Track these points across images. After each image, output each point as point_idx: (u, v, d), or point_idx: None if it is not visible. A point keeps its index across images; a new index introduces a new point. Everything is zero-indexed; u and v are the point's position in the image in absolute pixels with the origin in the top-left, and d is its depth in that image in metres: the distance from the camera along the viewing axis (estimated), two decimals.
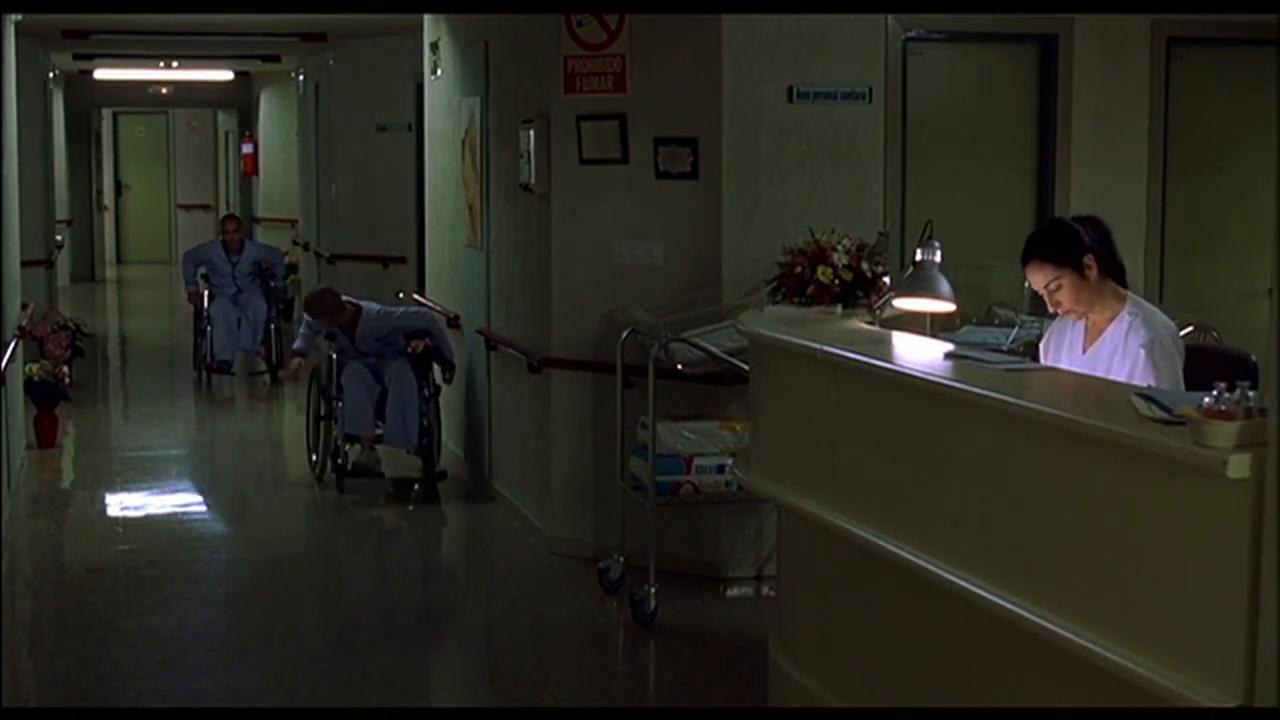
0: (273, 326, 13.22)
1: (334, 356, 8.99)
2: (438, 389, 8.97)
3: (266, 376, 13.16)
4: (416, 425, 8.81)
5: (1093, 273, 4.56)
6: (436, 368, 9.10)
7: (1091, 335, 4.66)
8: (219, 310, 13.00)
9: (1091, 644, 3.40)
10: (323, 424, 9.18)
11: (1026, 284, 4.76)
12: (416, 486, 8.99)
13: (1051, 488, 3.64)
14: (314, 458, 9.24)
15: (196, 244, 14.37)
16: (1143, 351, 4.47)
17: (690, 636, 6.36)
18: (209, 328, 13.00)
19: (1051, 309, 4.71)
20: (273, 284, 13.47)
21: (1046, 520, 3.66)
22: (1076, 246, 4.57)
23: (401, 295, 10.39)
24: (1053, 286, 4.58)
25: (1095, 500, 3.48)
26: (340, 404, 8.81)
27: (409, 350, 8.91)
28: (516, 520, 8.10)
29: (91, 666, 5.98)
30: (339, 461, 8.78)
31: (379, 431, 8.90)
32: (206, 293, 13.22)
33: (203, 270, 13.41)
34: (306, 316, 9.41)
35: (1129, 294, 4.67)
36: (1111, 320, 4.61)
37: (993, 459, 3.91)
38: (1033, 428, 3.68)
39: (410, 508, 8.86)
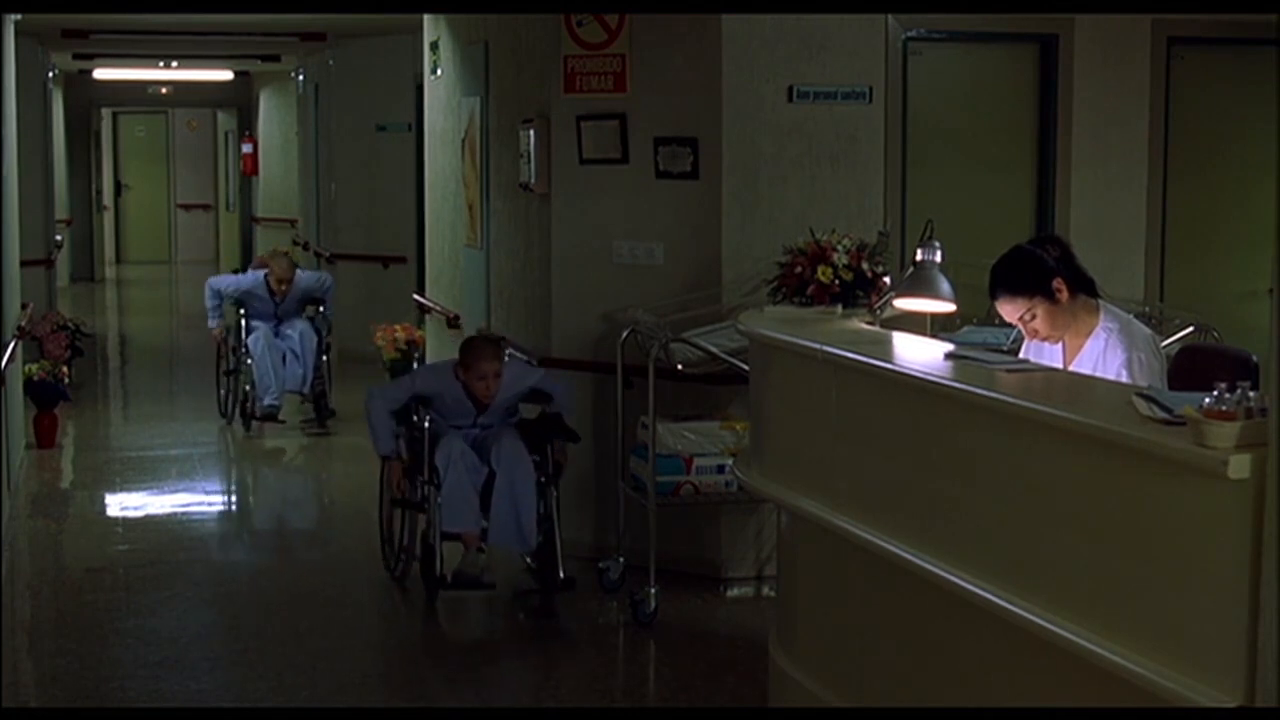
0: (325, 358, 10.81)
1: (426, 425, 6.75)
2: (559, 470, 6.83)
3: (312, 421, 10.84)
4: (533, 520, 6.63)
5: (1064, 295, 4.50)
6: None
7: (1071, 351, 4.62)
8: (259, 344, 10.48)
9: (1091, 644, 3.40)
10: (405, 517, 6.97)
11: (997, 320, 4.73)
12: (533, 597, 6.82)
13: (1052, 488, 3.64)
14: (396, 561, 7.09)
15: (230, 278, 11.41)
16: (1124, 371, 4.45)
17: (690, 636, 6.36)
18: (249, 363, 10.50)
19: (1029, 338, 4.67)
20: (323, 310, 10.92)
21: (1047, 520, 3.66)
22: (1042, 272, 4.49)
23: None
24: (1027, 317, 4.52)
25: (1095, 500, 3.48)
26: (436, 491, 6.62)
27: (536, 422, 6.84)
28: None
29: (91, 666, 5.98)
30: (436, 571, 6.62)
31: (485, 527, 6.68)
32: (243, 324, 10.70)
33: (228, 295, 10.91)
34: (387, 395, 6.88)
35: (1102, 304, 4.61)
36: (1088, 336, 4.58)
37: (993, 459, 3.90)
38: (1033, 428, 3.68)
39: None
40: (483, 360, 6.69)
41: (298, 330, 10.60)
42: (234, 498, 9.40)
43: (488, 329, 8.49)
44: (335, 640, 6.48)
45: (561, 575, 6.56)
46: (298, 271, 10.84)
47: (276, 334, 10.56)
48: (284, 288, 10.60)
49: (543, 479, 6.66)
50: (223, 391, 11.01)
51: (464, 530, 6.64)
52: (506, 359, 6.85)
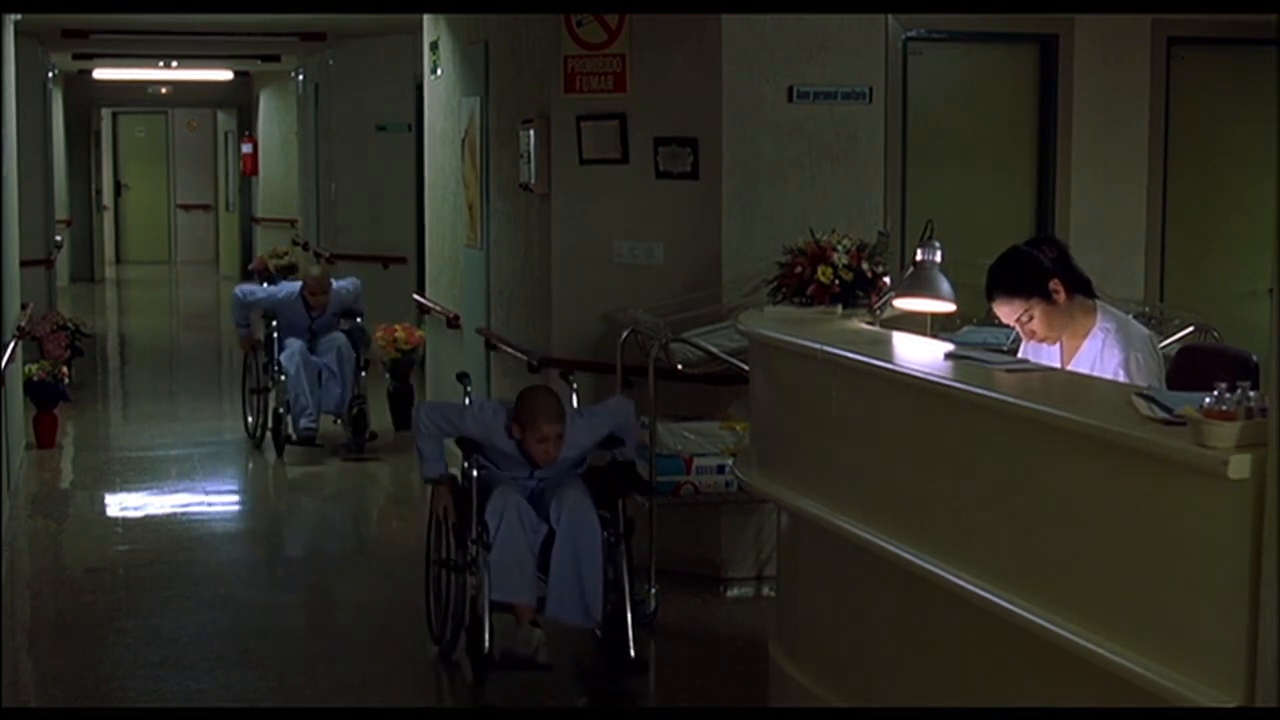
0: (364, 375, 9.90)
1: (474, 473, 5.77)
2: (630, 528, 5.79)
3: (345, 444, 9.84)
4: (599, 588, 5.62)
5: (1061, 296, 4.51)
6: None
7: (1068, 352, 4.62)
8: (294, 361, 9.58)
9: (1092, 644, 3.40)
10: (451, 579, 5.92)
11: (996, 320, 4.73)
12: (597, 679, 5.89)
13: (1052, 488, 3.64)
14: (442, 631, 6.04)
15: (259, 290, 10.54)
16: (1121, 371, 4.45)
17: (690, 636, 6.36)
18: (283, 378, 9.62)
19: (1026, 339, 4.67)
20: (359, 321, 10.04)
21: (1047, 520, 3.66)
22: (1039, 274, 4.50)
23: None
24: (1025, 318, 4.52)
25: (1095, 500, 3.48)
26: (486, 552, 5.58)
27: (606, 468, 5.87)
28: None
29: (91, 666, 5.98)
30: (484, 650, 5.57)
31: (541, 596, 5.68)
32: (274, 339, 9.88)
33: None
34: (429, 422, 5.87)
35: (1099, 304, 4.62)
36: (1085, 336, 4.58)
37: (993, 459, 3.90)
38: (1033, 428, 3.68)
39: None
40: (543, 421, 5.64)
41: (335, 346, 9.72)
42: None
43: (487, 328, 8.50)
44: (335, 640, 6.48)
45: (633, 654, 5.61)
46: (333, 281, 10.06)
47: (312, 350, 9.72)
48: (321, 299, 9.80)
49: (612, 539, 5.67)
50: (250, 416, 10.17)
51: (517, 601, 5.61)
52: (570, 412, 5.84)
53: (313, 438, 9.57)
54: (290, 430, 9.58)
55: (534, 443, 5.67)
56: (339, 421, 9.81)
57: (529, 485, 5.81)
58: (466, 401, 6.10)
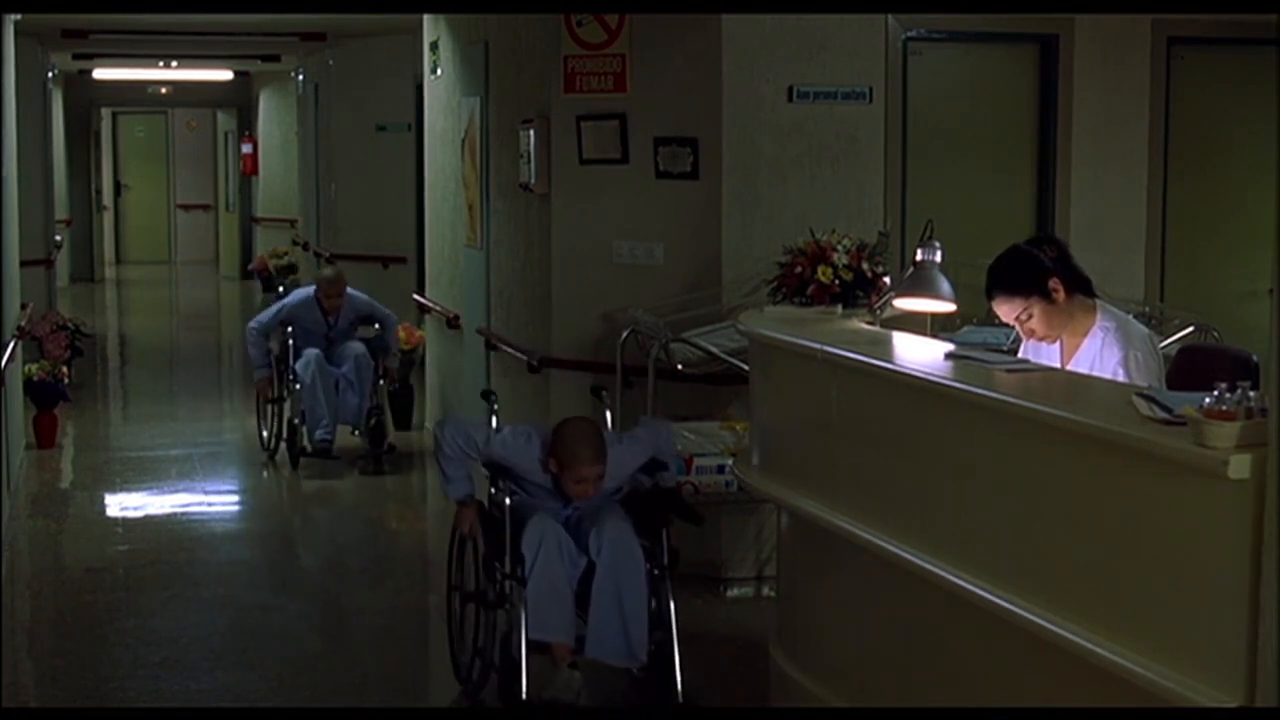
0: (382, 384, 9.62)
1: (505, 501, 5.31)
2: (675, 559, 5.31)
3: (365, 457, 9.48)
4: (643, 626, 5.20)
5: (1060, 295, 4.51)
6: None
7: (1068, 351, 4.62)
8: (309, 370, 9.22)
9: (1091, 644, 3.40)
10: (479, 614, 5.43)
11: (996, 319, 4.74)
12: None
13: (1052, 488, 3.64)
14: (470, 671, 5.53)
15: (268, 311, 9.81)
16: (1121, 370, 4.45)
17: (690, 636, 6.33)
18: (297, 389, 9.29)
19: (1025, 338, 4.67)
20: (380, 329, 9.71)
21: (1046, 520, 3.66)
22: (1039, 272, 4.50)
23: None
24: (1024, 317, 4.53)
25: (1095, 500, 3.48)
26: (521, 587, 5.15)
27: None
28: None
29: (91, 666, 5.98)
30: (521, 693, 5.11)
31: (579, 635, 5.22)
32: (290, 342, 9.49)
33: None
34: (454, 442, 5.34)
35: (1099, 303, 4.62)
36: (1085, 335, 4.58)
37: (993, 459, 3.90)
38: (1033, 428, 3.68)
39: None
40: (584, 464, 5.16)
41: (352, 355, 9.34)
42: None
43: (487, 328, 8.48)
44: (335, 640, 6.48)
45: (680, 698, 5.15)
46: (348, 288, 9.66)
47: (328, 358, 9.32)
48: (336, 302, 9.45)
49: (655, 571, 5.23)
50: (265, 431, 9.77)
51: (555, 640, 5.17)
52: (611, 444, 5.29)
53: (329, 449, 9.23)
54: (305, 442, 9.28)
55: (571, 483, 5.20)
56: (356, 433, 9.53)
57: (564, 514, 5.32)
58: (493, 423, 5.66)
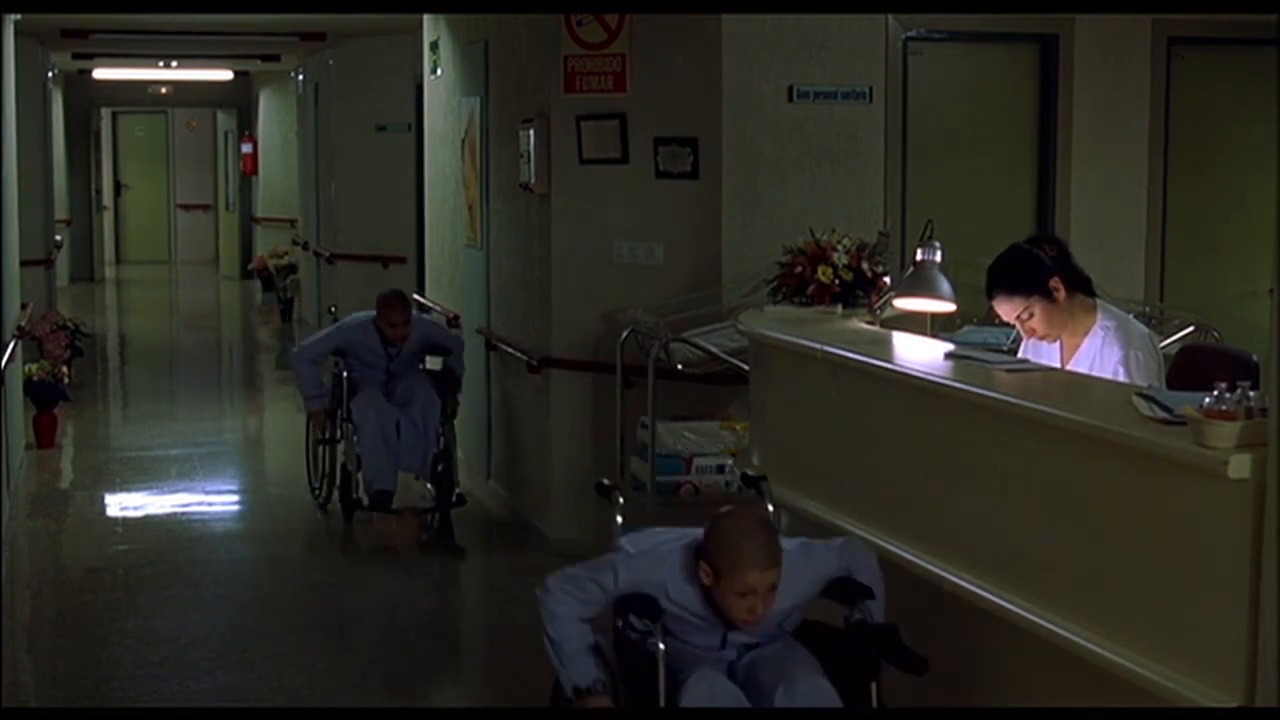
0: (453, 421, 8.17)
1: (659, 648, 3.91)
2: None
3: (431, 512, 7.99)
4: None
5: (1061, 294, 4.51)
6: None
7: (1068, 351, 4.62)
8: (366, 411, 7.84)
9: (1092, 644, 3.40)
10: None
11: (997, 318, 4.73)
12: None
13: (1052, 488, 3.64)
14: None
15: (317, 336, 8.50)
16: (1121, 369, 4.45)
17: None
18: (355, 438, 7.89)
19: (1026, 337, 4.67)
20: (449, 361, 8.30)
21: (1047, 520, 3.66)
22: (1040, 271, 4.50)
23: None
24: (1025, 316, 4.53)
25: (1096, 500, 3.48)
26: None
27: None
28: (516, 520, 8.09)
29: (91, 666, 5.98)
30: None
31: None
32: (344, 374, 8.09)
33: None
34: None
35: (1099, 303, 4.62)
36: (1085, 335, 4.58)
37: (993, 459, 3.90)
38: (1033, 428, 3.68)
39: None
40: (752, 569, 3.70)
41: (417, 392, 7.96)
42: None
43: (487, 328, 8.49)
44: (335, 640, 6.48)
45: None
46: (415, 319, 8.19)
47: (388, 395, 7.99)
48: (401, 330, 7.98)
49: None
50: (315, 480, 8.55)
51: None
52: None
53: (388, 503, 7.79)
54: (360, 493, 8.00)
55: (733, 596, 3.78)
56: (420, 479, 8.15)
57: (727, 657, 4.01)
58: (617, 520, 4.32)
